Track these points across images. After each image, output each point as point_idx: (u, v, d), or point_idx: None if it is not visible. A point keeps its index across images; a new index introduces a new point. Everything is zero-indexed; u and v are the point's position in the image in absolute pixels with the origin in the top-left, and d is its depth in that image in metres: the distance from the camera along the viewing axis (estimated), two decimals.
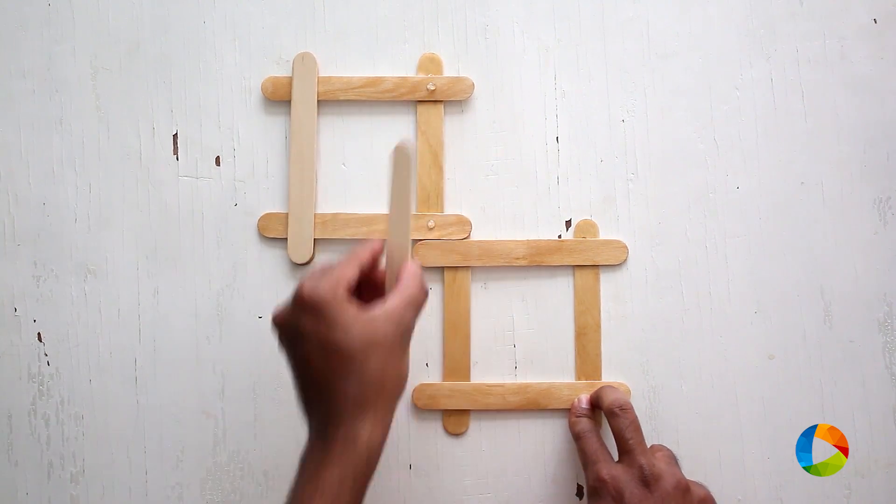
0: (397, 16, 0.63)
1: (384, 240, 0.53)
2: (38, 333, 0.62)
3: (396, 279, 0.51)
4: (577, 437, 0.58)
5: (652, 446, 0.57)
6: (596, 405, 0.59)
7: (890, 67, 0.62)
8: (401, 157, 0.52)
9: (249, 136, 0.63)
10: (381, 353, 0.47)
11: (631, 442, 0.54)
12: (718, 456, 0.60)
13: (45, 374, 0.62)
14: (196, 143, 0.63)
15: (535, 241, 0.61)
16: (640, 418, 0.57)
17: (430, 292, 0.61)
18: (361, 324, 0.47)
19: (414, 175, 0.60)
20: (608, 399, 0.57)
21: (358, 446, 0.47)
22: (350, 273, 0.49)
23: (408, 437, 0.61)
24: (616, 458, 0.56)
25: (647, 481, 0.53)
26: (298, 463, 0.49)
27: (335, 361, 0.47)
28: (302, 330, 0.48)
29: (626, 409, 0.56)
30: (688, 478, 0.55)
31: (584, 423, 0.58)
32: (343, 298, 0.48)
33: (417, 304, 0.50)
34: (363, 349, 0.47)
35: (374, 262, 0.52)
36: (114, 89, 0.63)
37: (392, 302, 0.49)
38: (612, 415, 0.56)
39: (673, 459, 0.56)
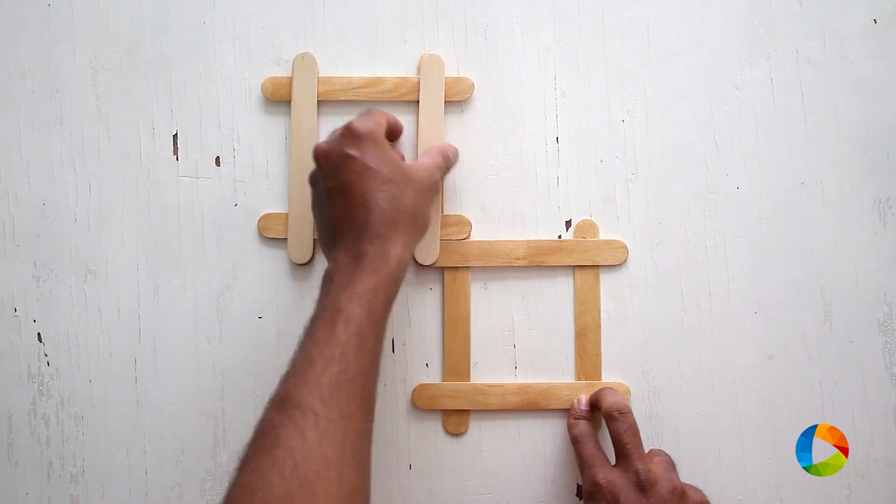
0: (397, 16, 0.63)
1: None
2: (38, 333, 0.62)
3: (432, 147, 0.59)
4: (574, 441, 0.58)
5: (650, 451, 0.57)
6: (596, 406, 0.59)
7: (890, 67, 0.62)
8: (431, 63, 0.60)
9: (249, 136, 0.63)
10: (415, 191, 0.53)
11: (628, 447, 0.54)
12: (718, 456, 0.60)
13: (45, 374, 0.62)
14: (196, 143, 0.63)
15: (535, 241, 0.62)
16: (640, 418, 0.57)
17: (431, 291, 0.61)
18: (402, 163, 0.54)
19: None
20: (607, 402, 0.57)
21: (390, 261, 0.51)
22: (384, 121, 0.55)
23: (408, 437, 0.61)
24: (613, 461, 0.56)
25: (643, 486, 0.53)
26: (323, 280, 0.51)
27: (375, 182, 0.52)
28: (348, 154, 0.52)
29: (625, 412, 0.56)
30: (687, 479, 0.55)
31: (582, 427, 0.58)
32: (385, 139, 0.54)
33: (442, 168, 0.58)
34: (401, 181, 0.52)
35: (394, 129, 0.58)
36: (114, 89, 0.63)
37: (423, 160, 0.57)
38: (610, 418, 0.56)
39: (670, 465, 0.56)
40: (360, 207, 0.51)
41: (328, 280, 0.51)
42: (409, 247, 0.53)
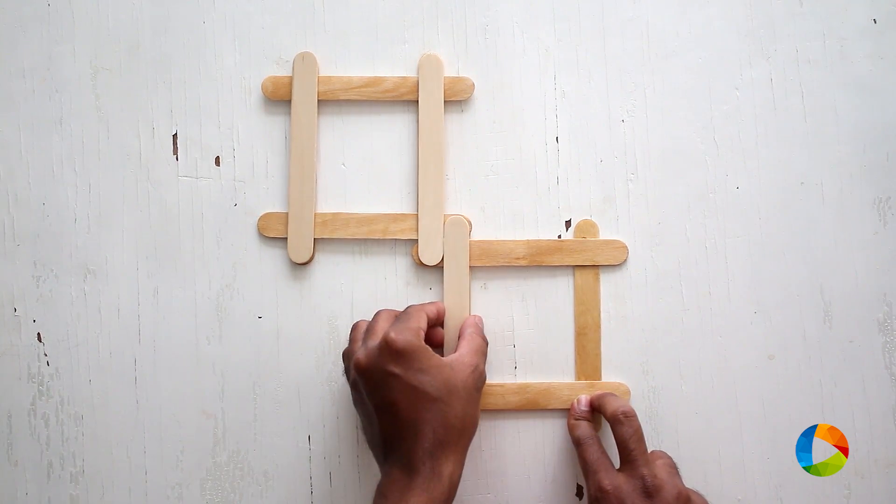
0: (397, 16, 0.63)
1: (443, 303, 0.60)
2: (38, 333, 0.62)
3: (460, 333, 0.58)
4: (577, 443, 0.57)
5: (652, 453, 0.57)
6: (597, 411, 0.59)
7: (890, 67, 0.62)
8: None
9: (249, 136, 0.63)
10: (462, 399, 0.53)
11: (634, 452, 0.54)
12: (718, 456, 0.60)
13: (45, 374, 0.62)
14: (196, 143, 0.63)
15: (535, 241, 0.61)
16: (639, 419, 0.57)
17: (431, 291, 0.61)
18: (444, 371, 0.53)
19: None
20: (612, 406, 0.56)
21: (443, 480, 0.51)
22: (423, 324, 0.55)
23: None
24: (616, 463, 0.56)
25: (650, 492, 0.53)
26: (376, 494, 0.53)
27: (422, 403, 0.52)
28: (391, 372, 0.52)
29: (631, 416, 0.55)
30: (687, 479, 0.55)
31: (584, 429, 0.58)
32: (425, 346, 0.53)
33: (483, 351, 0.57)
34: (447, 394, 0.52)
35: (437, 318, 0.58)
36: (114, 89, 0.63)
37: (463, 350, 0.56)
38: (616, 422, 0.56)
39: (674, 468, 0.55)
40: (409, 429, 0.52)
41: (381, 496, 0.52)
42: (460, 457, 0.53)
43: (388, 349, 0.52)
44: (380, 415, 0.53)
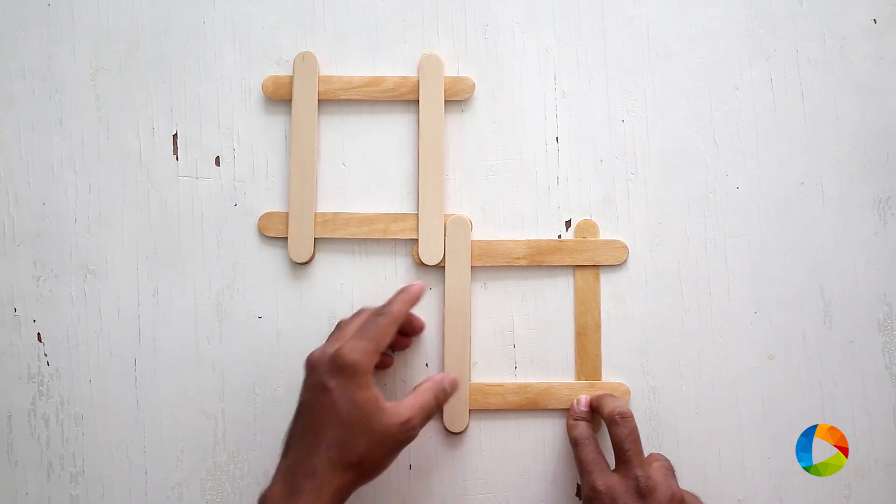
0: (397, 16, 0.63)
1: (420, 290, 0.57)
2: (38, 333, 0.62)
3: (420, 384, 0.56)
4: (573, 444, 0.57)
5: (650, 455, 0.57)
6: (596, 411, 0.59)
7: (890, 67, 0.62)
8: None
9: (249, 136, 0.63)
10: (373, 442, 0.51)
11: (629, 452, 0.54)
12: (718, 456, 0.60)
13: (45, 374, 0.62)
14: (196, 143, 0.63)
15: (535, 241, 0.62)
16: (639, 418, 0.57)
17: (431, 291, 0.61)
18: (370, 407, 0.51)
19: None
20: (609, 406, 0.57)
21: (322, 499, 0.50)
22: (384, 344, 0.53)
23: None
24: (612, 464, 0.56)
25: (642, 493, 0.53)
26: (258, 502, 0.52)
27: (332, 421, 0.51)
28: (324, 383, 0.52)
29: (627, 417, 0.55)
30: (687, 480, 0.55)
31: (582, 429, 0.58)
32: (368, 373, 0.52)
33: (428, 412, 0.54)
34: (359, 429, 0.51)
35: (413, 304, 0.57)
36: (114, 89, 0.63)
37: (409, 402, 0.53)
38: (612, 422, 0.56)
39: (670, 471, 0.55)
40: (310, 438, 0.52)
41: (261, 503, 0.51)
42: (348, 489, 0.52)
43: (334, 362, 0.52)
44: (298, 413, 0.53)
